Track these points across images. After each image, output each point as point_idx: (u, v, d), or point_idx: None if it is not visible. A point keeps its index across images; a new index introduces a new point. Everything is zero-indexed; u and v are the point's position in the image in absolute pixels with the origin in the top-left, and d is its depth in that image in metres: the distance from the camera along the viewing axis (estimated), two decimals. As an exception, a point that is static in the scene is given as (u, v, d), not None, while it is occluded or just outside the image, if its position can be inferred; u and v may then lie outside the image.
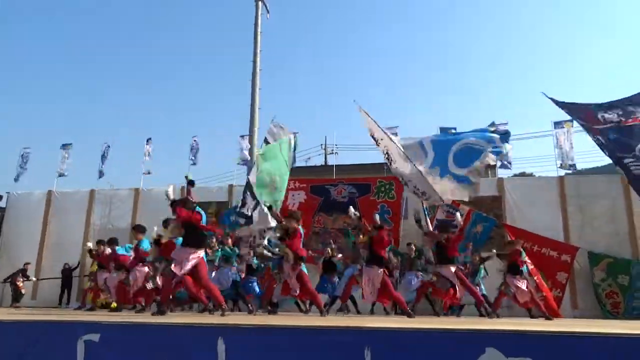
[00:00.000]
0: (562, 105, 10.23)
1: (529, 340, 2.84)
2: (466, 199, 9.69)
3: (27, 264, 13.91)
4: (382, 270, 7.16)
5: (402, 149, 9.42)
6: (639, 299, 11.60)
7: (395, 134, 11.14)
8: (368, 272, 7.23)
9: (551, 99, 10.09)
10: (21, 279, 13.47)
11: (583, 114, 10.11)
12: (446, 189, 9.27)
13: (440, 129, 12.75)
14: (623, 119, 9.61)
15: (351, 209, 8.61)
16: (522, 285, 8.38)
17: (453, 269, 8.07)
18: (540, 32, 58.24)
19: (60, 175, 15.87)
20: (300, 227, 7.04)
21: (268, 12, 20.27)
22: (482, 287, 10.15)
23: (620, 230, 12.30)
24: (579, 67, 57.99)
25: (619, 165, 9.43)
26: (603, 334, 2.92)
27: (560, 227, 12.55)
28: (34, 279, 14.03)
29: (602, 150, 9.76)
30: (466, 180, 9.23)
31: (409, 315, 7.11)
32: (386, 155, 9.67)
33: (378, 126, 9.61)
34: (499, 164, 13.20)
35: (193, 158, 15.71)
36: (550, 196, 12.87)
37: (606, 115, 9.85)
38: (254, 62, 18.59)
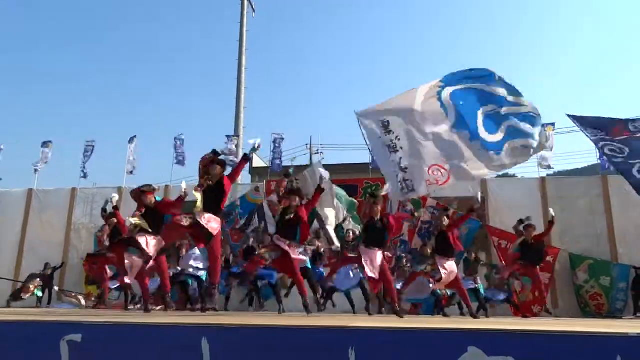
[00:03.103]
0: (579, 120, 9.17)
1: (510, 339, 2.89)
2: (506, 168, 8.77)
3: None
4: (381, 251, 7.01)
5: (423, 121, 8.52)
6: (621, 300, 11.87)
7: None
8: (367, 252, 6.96)
9: (571, 116, 9.14)
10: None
11: (605, 127, 9.06)
12: (481, 159, 8.32)
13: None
14: None
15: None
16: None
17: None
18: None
19: (36, 170, 15.56)
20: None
21: (254, 10, 20.23)
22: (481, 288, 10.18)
23: (600, 232, 12.55)
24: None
25: (626, 174, 8.88)
26: (584, 333, 2.99)
27: (543, 228, 12.74)
28: None
29: (612, 161, 9.26)
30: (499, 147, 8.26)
31: (398, 314, 6.90)
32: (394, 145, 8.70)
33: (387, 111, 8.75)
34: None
35: (180, 156, 15.56)
36: (532, 197, 13.07)
37: (637, 124, 8.98)
38: (240, 60, 18.55)
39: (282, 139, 15.13)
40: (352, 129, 61.95)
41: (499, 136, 8.37)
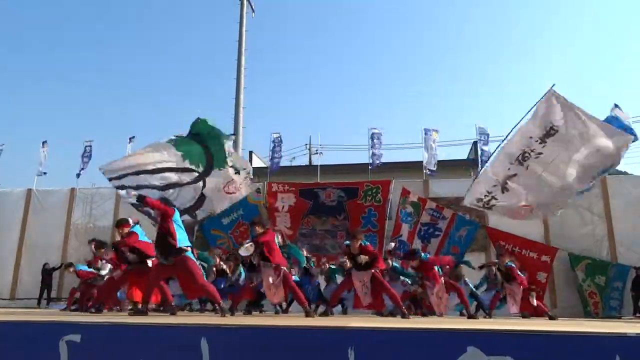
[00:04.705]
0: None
1: (509, 339, 2.90)
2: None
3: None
4: (371, 270, 7.16)
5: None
6: (616, 299, 11.91)
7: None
8: (358, 275, 7.19)
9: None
10: None
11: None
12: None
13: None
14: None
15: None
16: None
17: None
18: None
19: (45, 173, 15.55)
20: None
21: (253, 11, 20.21)
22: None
23: (599, 232, 12.57)
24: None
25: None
26: (583, 333, 3.00)
27: (541, 227, 12.79)
28: None
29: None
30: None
31: (404, 315, 6.96)
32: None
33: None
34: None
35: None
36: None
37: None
38: (239, 60, 18.53)
39: (281, 142, 15.08)
40: (352, 128, 61.88)
41: (583, 186, 8.67)
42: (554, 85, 8.56)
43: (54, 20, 56.93)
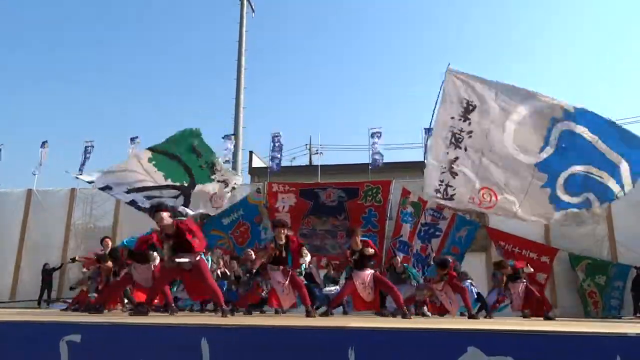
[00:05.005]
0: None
1: (509, 339, 2.90)
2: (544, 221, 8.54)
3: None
4: (371, 270, 7.18)
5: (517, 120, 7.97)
6: (617, 298, 11.91)
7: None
8: (359, 275, 7.17)
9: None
10: None
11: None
12: (536, 206, 8.08)
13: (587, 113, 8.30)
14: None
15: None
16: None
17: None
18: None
19: (34, 174, 15.53)
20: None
21: (253, 11, 20.22)
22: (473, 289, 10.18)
23: (599, 233, 12.57)
24: (560, 70, 59.00)
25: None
26: (583, 333, 3.00)
27: (542, 228, 12.78)
28: None
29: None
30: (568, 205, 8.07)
31: (405, 316, 6.95)
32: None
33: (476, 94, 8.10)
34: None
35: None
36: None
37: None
38: (239, 60, 18.53)
39: (281, 143, 15.09)
40: (352, 128, 61.82)
41: (574, 200, 8.16)
42: (449, 64, 8.33)
43: (54, 20, 56.98)
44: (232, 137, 16.19)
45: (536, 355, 2.75)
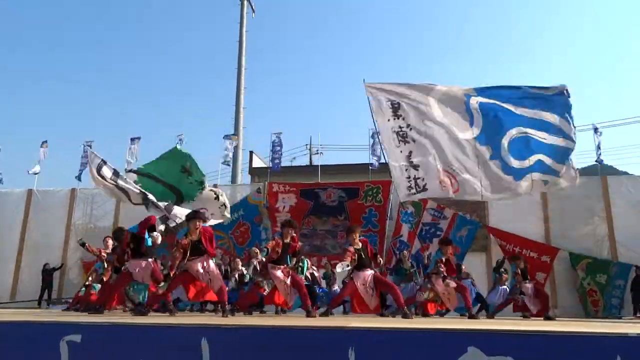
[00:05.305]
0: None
1: (509, 339, 2.90)
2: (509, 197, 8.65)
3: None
4: (372, 271, 7.19)
5: (437, 109, 8.37)
6: (617, 297, 11.90)
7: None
8: (360, 276, 7.12)
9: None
10: None
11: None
12: (496, 181, 8.16)
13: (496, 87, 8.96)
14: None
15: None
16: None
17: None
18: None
19: (33, 174, 15.46)
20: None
21: (254, 11, 20.23)
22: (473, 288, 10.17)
23: (600, 232, 12.57)
24: (561, 70, 58.92)
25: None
26: (583, 333, 3.00)
27: (542, 227, 12.78)
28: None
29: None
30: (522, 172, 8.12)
31: (405, 316, 6.89)
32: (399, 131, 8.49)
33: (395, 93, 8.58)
34: None
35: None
36: (532, 197, 13.07)
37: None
38: (239, 60, 18.55)
39: (281, 143, 15.05)
40: (352, 128, 61.90)
41: (524, 164, 8.25)
42: (364, 79, 8.82)
43: (54, 20, 57.02)
44: (232, 137, 16.18)
45: (536, 355, 2.75)
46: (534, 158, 8.22)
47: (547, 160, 8.20)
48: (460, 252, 12.30)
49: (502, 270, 9.88)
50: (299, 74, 64.02)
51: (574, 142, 8.21)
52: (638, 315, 11.17)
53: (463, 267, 10.28)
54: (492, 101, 8.44)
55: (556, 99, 8.33)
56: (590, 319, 10.58)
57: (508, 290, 9.48)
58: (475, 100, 8.40)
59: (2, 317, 4.50)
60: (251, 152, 20.50)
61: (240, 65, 18.39)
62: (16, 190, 15.56)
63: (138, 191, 8.98)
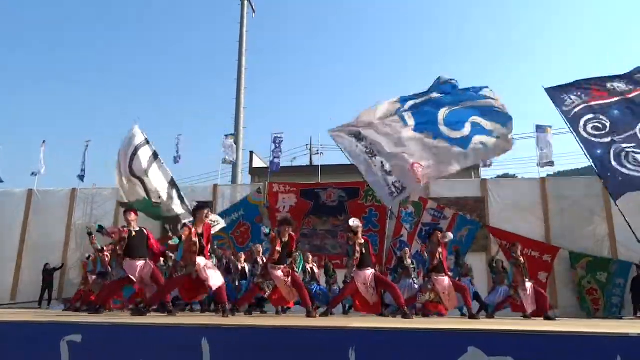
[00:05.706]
0: (552, 91, 10.24)
1: (509, 339, 2.90)
2: (479, 162, 9.99)
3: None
4: (372, 270, 7.20)
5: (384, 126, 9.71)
6: (618, 296, 11.90)
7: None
8: (361, 275, 7.14)
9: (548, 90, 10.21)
10: None
11: (583, 91, 10.10)
12: (448, 155, 9.12)
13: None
14: (629, 89, 9.73)
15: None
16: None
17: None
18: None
19: (34, 173, 15.46)
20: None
21: (254, 11, 20.26)
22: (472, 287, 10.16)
23: (600, 232, 12.56)
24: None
25: (598, 162, 9.54)
26: (584, 333, 3.00)
27: (542, 227, 12.79)
28: None
29: (583, 145, 9.72)
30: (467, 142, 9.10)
31: (405, 315, 6.92)
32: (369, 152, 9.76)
33: (353, 126, 9.95)
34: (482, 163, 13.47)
35: (178, 157, 15.51)
36: (532, 198, 13.09)
37: (615, 85, 9.95)
38: (239, 60, 18.57)
39: (282, 140, 15.06)
40: (352, 129, 61.76)
41: (464, 132, 9.19)
42: (329, 130, 10.23)
43: (54, 20, 57.03)
44: (232, 136, 16.18)
45: (536, 355, 2.75)
46: (469, 122, 9.25)
47: (481, 120, 9.21)
48: (461, 252, 12.31)
49: (502, 269, 9.88)
50: (299, 74, 64.08)
51: (506, 111, 9.24)
52: (638, 315, 11.16)
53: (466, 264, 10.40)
54: (415, 101, 9.88)
55: (478, 96, 9.59)
56: (590, 319, 10.58)
57: (508, 290, 9.46)
58: (403, 106, 9.86)
59: (2, 317, 4.51)
60: (251, 152, 20.49)
61: (241, 65, 18.40)
62: (16, 190, 15.57)
63: (167, 185, 9.60)
